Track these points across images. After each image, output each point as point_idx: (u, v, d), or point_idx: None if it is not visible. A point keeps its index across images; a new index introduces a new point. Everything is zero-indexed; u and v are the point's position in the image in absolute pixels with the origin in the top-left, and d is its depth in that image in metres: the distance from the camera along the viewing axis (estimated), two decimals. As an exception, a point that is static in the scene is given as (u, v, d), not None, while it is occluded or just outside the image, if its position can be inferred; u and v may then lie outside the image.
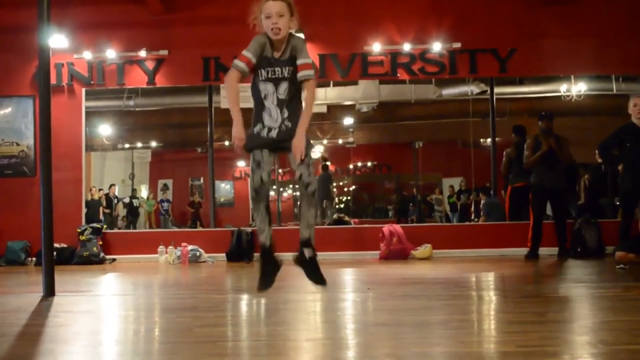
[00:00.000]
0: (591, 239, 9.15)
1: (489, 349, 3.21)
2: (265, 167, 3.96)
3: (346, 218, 12.51)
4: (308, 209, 3.94)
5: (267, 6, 3.74)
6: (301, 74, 3.88)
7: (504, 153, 10.06)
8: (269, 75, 3.91)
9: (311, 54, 10.19)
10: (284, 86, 3.88)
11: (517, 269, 7.68)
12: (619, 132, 7.46)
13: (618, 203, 8.55)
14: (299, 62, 3.85)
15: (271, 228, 4.15)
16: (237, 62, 3.93)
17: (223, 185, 15.68)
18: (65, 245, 9.72)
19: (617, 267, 6.60)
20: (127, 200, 14.31)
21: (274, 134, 3.98)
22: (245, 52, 3.92)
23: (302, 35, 3.99)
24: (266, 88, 3.96)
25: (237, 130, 3.92)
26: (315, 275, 3.95)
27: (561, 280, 6.61)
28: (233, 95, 3.92)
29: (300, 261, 4.03)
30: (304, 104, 3.92)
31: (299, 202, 3.95)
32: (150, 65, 10.26)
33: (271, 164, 4.03)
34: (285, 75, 3.86)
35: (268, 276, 4.06)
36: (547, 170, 8.68)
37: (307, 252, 3.99)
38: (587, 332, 3.62)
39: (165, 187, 15.12)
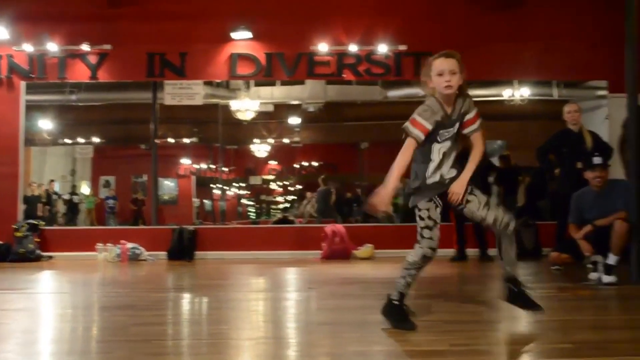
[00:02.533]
0: (528, 241, 9.35)
1: (424, 348, 3.26)
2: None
3: (291, 217, 12.52)
4: (510, 247, 3.78)
5: (438, 63, 3.72)
6: (469, 129, 3.85)
7: None
8: (443, 138, 3.80)
9: (257, 52, 10.21)
10: (449, 143, 3.80)
11: (455, 269, 7.81)
12: (556, 138, 7.63)
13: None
14: (468, 116, 3.82)
15: None
16: (413, 129, 3.75)
17: (167, 182, 15.47)
18: (0, 242, 9.46)
19: (552, 268, 6.76)
20: (67, 196, 14.01)
21: (440, 187, 3.85)
22: (421, 120, 3.75)
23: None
24: (436, 147, 3.82)
25: (387, 192, 3.73)
26: (530, 304, 3.80)
27: (497, 281, 6.73)
28: (404, 161, 3.75)
29: (512, 298, 3.85)
30: (472, 155, 3.85)
31: (499, 241, 3.81)
32: (93, 59, 10.05)
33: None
34: (454, 132, 3.81)
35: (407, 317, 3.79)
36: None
37: (515, 287, 3.82)
38: (520, 331, 3.71)
39: (108, 183, 14.85)
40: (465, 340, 3.35)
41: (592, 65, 10.06)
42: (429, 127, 3.70)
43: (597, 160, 6.00)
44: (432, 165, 3.81)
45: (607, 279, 5.63)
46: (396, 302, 3.77)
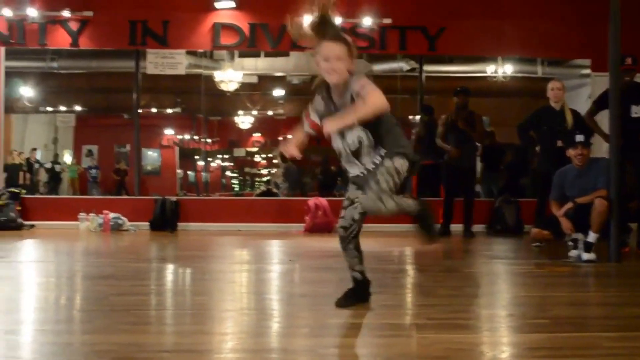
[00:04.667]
0: (510, 217, 9.43)
1: (403, 321, 3.30)
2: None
3: (275, 190, 12.50)
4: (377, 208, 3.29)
5: (324, 48, 3.28)
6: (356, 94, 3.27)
7: (412, 132, 10.19)
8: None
9: (241, 22, 10.10)
10: (351, 136, 3.36)
11: (438, 244, 7.85)
12: (537, 115, 7.66)
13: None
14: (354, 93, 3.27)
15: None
16: (304, 121, 3.61)
17: (150, 153, 15.38)
18: (-20, 210, 9.40)
19: (533, 244, 6.83)
20: (48, 165, 13.90)
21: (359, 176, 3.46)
22: (310, 110, 3.53)
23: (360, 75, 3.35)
24: (337, 143, 3.46)
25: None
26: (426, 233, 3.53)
27: (479, 256, 6.82)
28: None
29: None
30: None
31: None
32: (74, 26, 9.90)
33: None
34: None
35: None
36: (458, 148, 8.68)
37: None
38: (498, 306, 3.76)
39: (90, 153, 14.74)
40: (444, 315, 3.39)
41: (576, 43, 10.11)
42: (316, 119, 3.52)
43: (579, 137, 6.03)
44: (342, 160, 3.49)
45: (586, 256, 5.69)
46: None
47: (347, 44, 3.31)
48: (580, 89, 10.28)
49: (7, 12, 9.74)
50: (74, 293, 4.29)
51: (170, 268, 5.67)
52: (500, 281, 4.97)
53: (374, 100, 3.18)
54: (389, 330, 3.02)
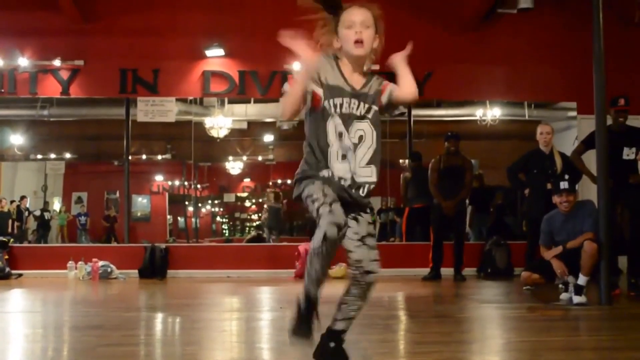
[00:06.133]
0: (501, 260, 9.41)
1: (396, 370, 3.26)
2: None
3: (264, 235, 12.47)
4: (358, 300, 2.97)
5: (348, 14, 2.86)
6: (385, 96, 3.00)
7: (401, 176, 10.21)
8: (341, 110, 2.89)
9: (230, 70, 10.19)
10: (357, 127, 2.91)
11: (429, 288, 7.83)
12: (526, 158, 7.71)
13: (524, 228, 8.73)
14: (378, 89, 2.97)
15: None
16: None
17: (140, 199, 15.34)
18: (-32, 260, 9.30)
19: (524, 288, 6.81)
20: (38, 213, 13.83)
21: (346, 183, 2.89)
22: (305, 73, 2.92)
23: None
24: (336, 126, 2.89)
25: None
26: None
27: (470, 300, 6.79)
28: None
29: (322, 355, 2.97)
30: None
31: (347, 288, 2.99)
32: (65, 75, 9.96)
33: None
34: (362, 113, 2.91)
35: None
36: (449, 192, 8.71)
37: (332, 344, 2.96)
38: (490, 352, 3.73)
39: (80, 200, 14.69)
40: (436, 362, 3.36)
41: (562, 86, 10.24)
42: (318, 89, 2.84)
43: (563, 185, 6.04)
44: (321, 151, 2.85)
45: (577, 299, 5.68)
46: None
47: (375, 15, 2.94)
48: (567, 132, 10.38)
49: (-2, 62, 9.81)
50: (62, 344, 4.23)
51: (159, 317, 5.61)
52: (492, 326, 4.94)
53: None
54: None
